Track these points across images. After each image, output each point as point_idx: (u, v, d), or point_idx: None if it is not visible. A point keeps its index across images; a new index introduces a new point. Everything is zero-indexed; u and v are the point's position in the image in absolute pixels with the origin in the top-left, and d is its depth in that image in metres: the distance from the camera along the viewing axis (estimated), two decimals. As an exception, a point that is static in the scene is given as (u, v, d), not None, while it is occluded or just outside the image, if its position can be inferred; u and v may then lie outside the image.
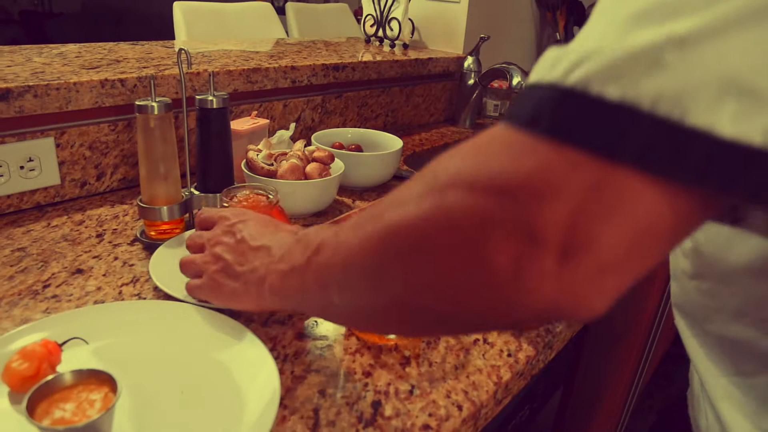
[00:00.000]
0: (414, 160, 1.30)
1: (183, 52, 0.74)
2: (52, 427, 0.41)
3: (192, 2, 1.86)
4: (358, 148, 1.07)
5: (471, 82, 1.53)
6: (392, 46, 1.60)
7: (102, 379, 0.44)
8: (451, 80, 1.61)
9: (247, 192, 0.73)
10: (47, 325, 0.55)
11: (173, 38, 1.81)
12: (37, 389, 0.43)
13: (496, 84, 1.64)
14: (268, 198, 0.71)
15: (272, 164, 0.87)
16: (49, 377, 0.44)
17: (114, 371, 0.45)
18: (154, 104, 0.72)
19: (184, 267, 0.60)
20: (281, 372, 0.54)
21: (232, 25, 1.96)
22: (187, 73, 0.96)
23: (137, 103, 0.72)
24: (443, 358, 0.60)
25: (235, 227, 0.55)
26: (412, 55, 1.50)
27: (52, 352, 0.50)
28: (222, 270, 0.54)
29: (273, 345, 0.59)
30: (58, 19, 5.63)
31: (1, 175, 0.81)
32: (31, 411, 0.41)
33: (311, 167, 0.86)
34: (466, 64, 1.53)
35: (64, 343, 0.51)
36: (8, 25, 5.31)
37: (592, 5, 1.86)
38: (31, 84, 0.80)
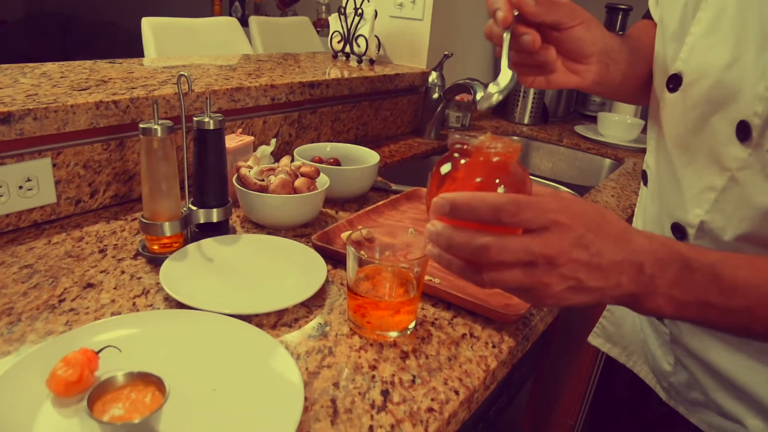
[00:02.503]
0: (386, 170, 1.37)
1: (183, 77, 0.79)
2: (112, 423, 0.46)
3: (161, 18, 1.89)
4: (337, 162, 1.14)
5: (435, 96, 1.62)
6: (359, 61, 1.67)
7: (148, 381, 0.50)
8: (416, 94, 1.69)
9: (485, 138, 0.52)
10: (79, 336, 0.60)
11: (129, 47, 1.83)
12: (94, 390, 0.48)
13: (458, 97, 1.73)
14: (512, 144, 0.51)
15: (263, 180, 0.93)
16: (104, 379, 0.49)
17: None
18: (158, 127, 0.77)
19: (494, 270, 0.47)
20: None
21: (200, 40, 2.00)
22: (177, 94, 1.01)
23: (142, 125, 0.77)
24: (437, 351, 0.67)
25: (585, 238, 0.46)
26: (380, 70, 1.57)
27: (90, 359, 0.55)
28: (569, 288, 0.47)
29: (285, 346, 0.65)
30: (1, 27, 5.49)
31: (1, 195, 0.84)
32: (89, 410, 0.47)
33: (299, 182, 0.93)
34: (430, 79, 1.62)
35: (101, 350, 0.56)
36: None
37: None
38: (30, 107, 0.84)
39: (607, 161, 1.83)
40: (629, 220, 0.92)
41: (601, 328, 0.90)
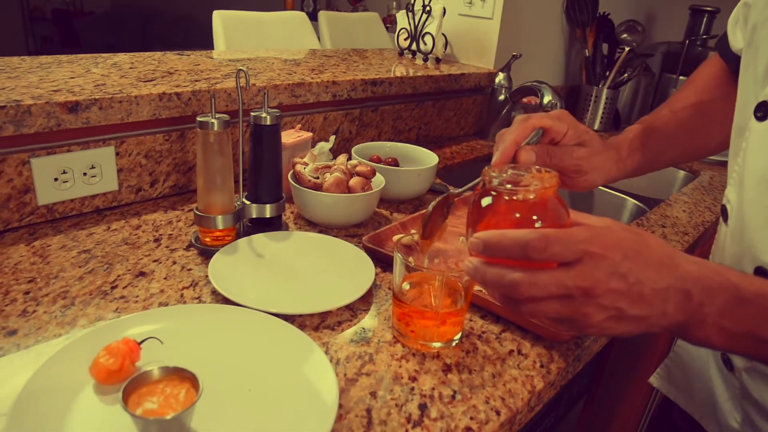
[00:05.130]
0: (446, 173, 1.34)
1: (242, 72, 0.79)
2: (144, 417, 0.46)
3: (231, 11, 1.93)
4: (395, 162, 1.12)
5: (501, 97, 1.57)
6: (425, 59, 1.65)
7: (184, 377, 0.50)
8: (481, 95, 1.65)
9: (523, 171, 0.54)
10: (125, 325, 0.61)
11: (204, 39, 1.88)
12: (130, 382, 0.48)
13: (525, 100, 1.68)
14: (549, 180, 0.52)
15: (318, 177, 0.92)
16: (140, 372, 0.49)
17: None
18: (215, 121, 0.77)
19: (532, 304, 0.47)
20: (335, 374, 0.59)
21: (268, 33, 2.03)
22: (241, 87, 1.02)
23: (199, 119, 0.77)
24: (481, 367, 0.64)
25: (622, 266, 0.45)
26: (445, 69, 1.55)
27: (132, 350, 0.55)
28: (609, 317, 0.46)
29: (326, 349, 0.64)
30: (88, 17, 5.76)
31: (66, 181, 0.87)
32: (124, 402, 0.47)
33: (354, 181, 0.92)
34: (497, 80, 1.58)
35: (143, 341, 0.57)
36: (41, 23, 5.45)
37: (622, 23, 1.90)
38: (96, 97, 0.86)
39: (681, 173, 1.74)
40: (702, 240, 0.86)
41: (665, 370, 0.84)
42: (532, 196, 0.50)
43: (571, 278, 0.45)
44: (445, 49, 1.66)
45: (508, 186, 0.50)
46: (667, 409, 0.91)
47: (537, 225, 0.49)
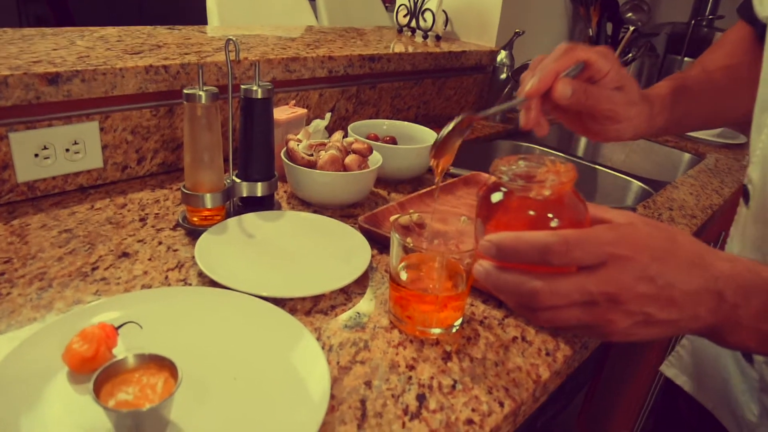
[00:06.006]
0: (445, 153, 1.30)
1: (231, 42, 0.75)
2: (117, 410, 0.42)
3: (225, -13, 1.87)
4: (393, 140, 1.08)
5: (503, 76, 1.53)
6: (425, 37, 1.60)
7: (162, 365, 0.46)
8: (483, 73, 1.60)
9: (536, 163, 0.48)
10: (102, 308, 0.57)
11: (200, 19, 1.82)
12: (102, 371, 0.44)
13: (527, 78, 1.63)
14: (566, 173, 0.47)
15: (312, 155, 0.88)
16: (114, 360, 0.45)
17: (168, 356, 0.47)
18: (202, 93, 0.73)
19: (552, 314, 0.43)
20: (327, 362, 0.56)
21: (264, 10, 1.97)
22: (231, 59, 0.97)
23: (185, 91, 0.73)
24: (483, 355, 0.60)
25: (650, 269, 0.41)
26: (446, 47, 1.50)
27: (109, 335, 0.51)
28: (636, 323, 0.42)
29: (318, 335, 0.60)
30: (84, -3, 5.67)
31: (48, 158, 0.83)
32: (96, 392, 0.43)
33: (350, 159, 0.87)
34: (499, 58, 1.53)
35: (120, 326, 0.53)
36: (35, 3, 5.36)
37: (627, 1, 1.85)
38: (79, 68, 0.81)
39: (686, 156, 1.70)
40: (710, 224, 0.82)
41: (677, 357, 0.80)
42: (547, 193, 0.45)
43: (596, 284, 0.41)
44: (446, 26, 1.61)
45: (520, 182, 0.45)
46: (672, 399, 0.87)
47: (553, 224, 0.45)
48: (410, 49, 1.38)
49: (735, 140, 1.73)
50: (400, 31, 1.68)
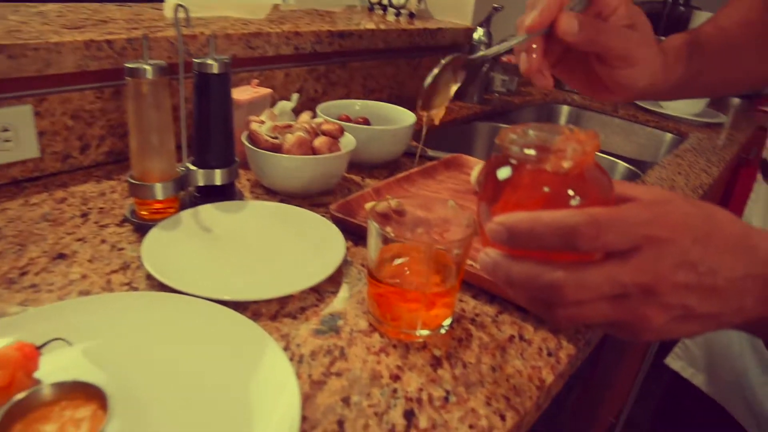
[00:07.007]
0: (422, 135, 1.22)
1: (181, 8, 0.65)
2: (27, 455, 0.33)
3: (182, -36, 1.75)
4: (366, 122, 0.99)
5: (481, 53, 1.45)
6: (397, 14, 1.51)
7: (90, 393, 0.37)
8: (459, 53, 1.52)
9: (549, 133, 0.40)
10: (23, 322, 0.47)
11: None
12: (12, 407, 0.35)
13: (504, 58, 1.56)
14: (589, 141, 0.38)
15: (277, 137, 0.79)
16: (25, 392, 0.36)
17: (104, 380, 0.38)
18: (147, 67, 0.64)
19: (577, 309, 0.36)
20: (297, 376, 0.47)
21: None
22: (184, 36, 0.87)
23: (127, 65, 0.63)
24: (478, 358, 0.53)
25: (691, 253, 0.34)
26: (420, 25, 1.41)
27: (28, 357, 0.42)
28: (674, 318, 0.36)
29: (286, 344, 0.51)
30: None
31: (-26, 146, 0.73)
32: (2, 433, 0.34)
33: (320, 141, 0.79)
34: (476, 36, 1.45)
35: (44, 345, 0.43)
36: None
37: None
38: (5, 43, 0.71)
39: (668, 136, 1.64)
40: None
41: (683, 349, 0.74)
42: (567, 165, 0.36)
43: (629, 274, 0.33)
44: (419, 2, 1.52)
45: (533, 153, 0.37)
46: (676, 392, 0.81)
47: (573, 203, 0.36)
48: (382, 27, 1.29)
49: (715, 119, 1.69)
50: (371, 9, 1.58)
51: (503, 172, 0.38)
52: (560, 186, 0.37)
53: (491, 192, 0.39)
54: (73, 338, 0.46)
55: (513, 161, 0.38)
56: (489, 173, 0.40)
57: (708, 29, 0.67)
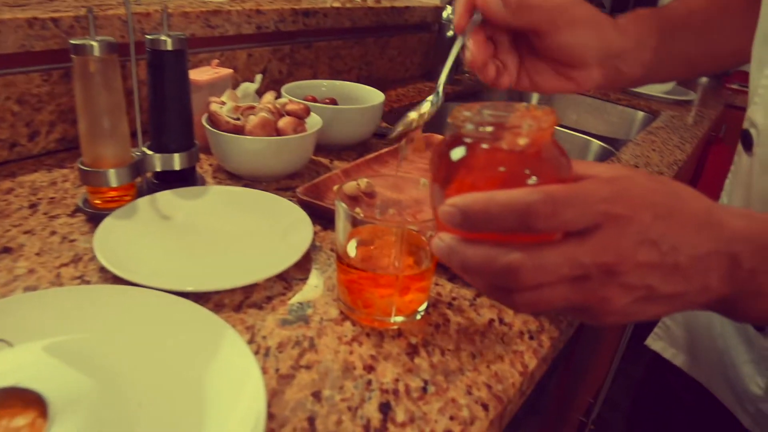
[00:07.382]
0: (392, 116, 1.19)
1: (127, -21, 0.60)
2: (-47, 472, 0.29)
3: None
4: (333, 102, 0.95)
5: (450, 34, 1.41)
6: (364, -7, 1.46)
7: (28, 399, 0.33)
8: (428, 32, 1.49)
9: (505, 112, 0.37)
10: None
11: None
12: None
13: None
14: (544, 118, 0.36)
15: (239, 119, 0.75)
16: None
17: (47, 384, 0.34)
18: (94, 44, 0.59)
19: (535, 296, 0.33)
20: (264, 371, 0.44)
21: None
22: (135, 13, 0.82)
23: (72, 42, 0.59)
24: (456, 345, 0.50)
25: (652, 231, 0.32)
26: (387, 3, 1.37)
27: (-38, 359, 0.38)
28: (636, 300, 0.34)
29: (251, 336, 0.48)
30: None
31: None
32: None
33: (284, 122, 0.75)
34: (445, 14, 1.41)
35: (-21, 345, 0.39)
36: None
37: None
38: (-62, 21, 0.65)
39: (640, 114, 1.64)
40: (678, 180, 0.74)
41: (664, 329, 0.72)
42: (523, 142, 0.34)
43: (589, 253, 0.32)
44: (386, -19, 1.48)
45: (489, 129, 0.34)
46: (661, 372, 0.79)
47: (530, 182, 0.34)
48: (348, 6, 1.24)
49: (686, 97, 1.69)
50: (336, -12, 1.54)
51: (457, 152, 0.35)
52: (516, 165, 0.34)
53: (444, 173, 0.36)
54: (15, 339, 0.42)
55: (467, 140, 0.35)
56: (442, 154, 0.37)
57: (672, 4, 0.64)
